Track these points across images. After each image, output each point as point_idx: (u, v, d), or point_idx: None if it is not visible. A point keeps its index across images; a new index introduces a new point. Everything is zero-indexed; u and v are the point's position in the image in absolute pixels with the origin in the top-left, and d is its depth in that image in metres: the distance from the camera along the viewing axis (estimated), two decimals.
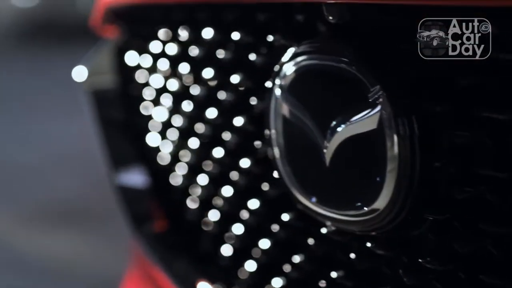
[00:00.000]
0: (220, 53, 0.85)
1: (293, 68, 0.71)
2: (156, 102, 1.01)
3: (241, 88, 0.83)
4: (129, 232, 1.12)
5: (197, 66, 0.90)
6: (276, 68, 0.73)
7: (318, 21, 0.72)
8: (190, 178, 0.98)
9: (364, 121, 0.65)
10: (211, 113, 0.89)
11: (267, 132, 0.76)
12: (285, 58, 0.72)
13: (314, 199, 0.71)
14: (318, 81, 0.71)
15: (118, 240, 2.12)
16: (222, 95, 0.87)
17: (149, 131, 1.04)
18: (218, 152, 0.90)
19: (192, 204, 0.99)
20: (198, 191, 0.97)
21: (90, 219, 3.13)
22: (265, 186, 0.84)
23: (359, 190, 0.67)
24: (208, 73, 0.88)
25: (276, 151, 0.75)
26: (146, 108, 1.04)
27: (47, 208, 3.31)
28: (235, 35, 0.82)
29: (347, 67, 0.66)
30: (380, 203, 0.65)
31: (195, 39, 0.90)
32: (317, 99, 0.70)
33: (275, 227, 0.84)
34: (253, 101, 0.82)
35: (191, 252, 1.01)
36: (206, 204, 0.95)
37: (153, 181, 1.06)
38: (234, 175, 0.88)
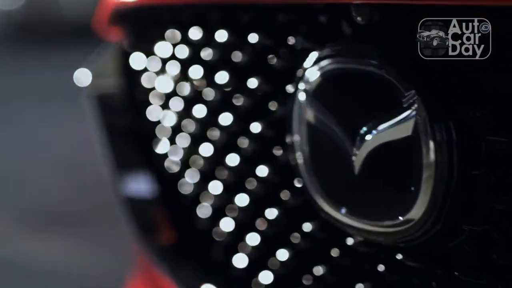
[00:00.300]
0: (236, 56, 0.82)
1: (318, 73, 0.68)
2: (164, 106, 0.97)
3: (259, 93, 0.80)
4: (126, 235, 1.09)
5: (209, 69, 0.87)
6: (299, 72, 0.70)
7: (344, 22, 0.69)
8: (201, 186, 0.94)
9: (398, 127, 0.62)
10: (226, 118, 0.85)
11: (289, 138, 0.73)
12: (308, 62, 0.69)
13: (343, 210, 0.68)
14: (344, 86, 0.68)
15: (116, 243, 2.09)
16: (238, 100, 0.83)
17: (156, 137, 1.00)
18: (233, 159, 0.86)
19: (203, 213, 0.95)
20: (210, 199, 0.93)
21: (84, 223, 3.09)
22: (285, 195, 0.80)
23: (391, 200, 0.64)
24: (222, 77, 0.84)
25: (300, 159, 0.71)
26: (153, 113, 1.00)
27: (40, 212, 3.26)
28: (252, 38, 0.78)
29: (377, 70, 0.63)
30: (415, 213, 0.62)
31: (208, 41, 0.86)
32: (344, 104, 0.67)
33: (295, 238, 0.80)
34: (273, 106, 0.79)
35: (200, 261, 0.98)
36: (218, 213, 0.92)
37: (160, 189, 1.02)
38: (250, 183, 0.85)
